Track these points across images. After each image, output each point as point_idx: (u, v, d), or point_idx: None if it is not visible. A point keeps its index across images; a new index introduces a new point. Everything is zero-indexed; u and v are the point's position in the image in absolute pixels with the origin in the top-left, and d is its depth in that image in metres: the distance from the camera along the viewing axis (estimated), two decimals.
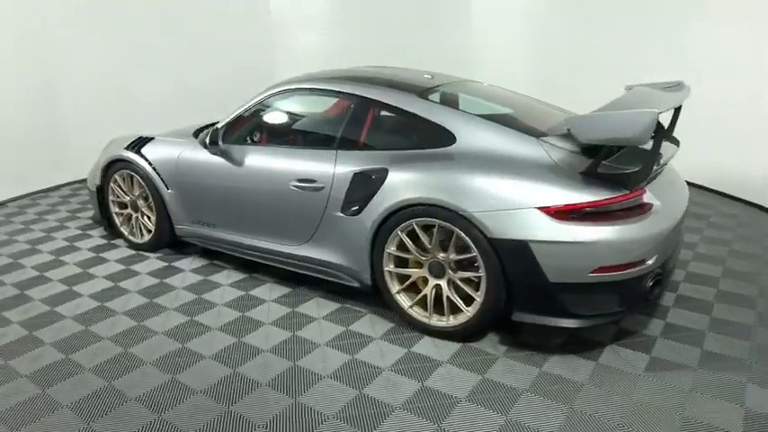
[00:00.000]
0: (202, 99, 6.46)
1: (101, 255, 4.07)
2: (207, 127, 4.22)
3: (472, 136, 2.83)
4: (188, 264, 3.87)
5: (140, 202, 4.02)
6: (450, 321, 2.78)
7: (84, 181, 5.06)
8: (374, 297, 3.12)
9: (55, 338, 2.93)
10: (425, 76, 3.53)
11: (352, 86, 3.23)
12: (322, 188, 3.07)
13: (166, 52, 6.66)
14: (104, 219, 4.28)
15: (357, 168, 2.96)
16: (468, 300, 2.73)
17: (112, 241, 4.32)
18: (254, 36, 7.39)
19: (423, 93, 3.12)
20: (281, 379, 2.54)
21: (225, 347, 2.82)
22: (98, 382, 2.54)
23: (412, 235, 2.80)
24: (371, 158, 2.96)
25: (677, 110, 2.89)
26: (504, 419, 2.24)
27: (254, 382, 2.53)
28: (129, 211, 4.12)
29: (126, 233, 4.17)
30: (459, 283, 2.72)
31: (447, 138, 2.87)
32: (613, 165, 2.54)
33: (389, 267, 2.91)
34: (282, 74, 7.32)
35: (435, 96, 3.15)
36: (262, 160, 3.36)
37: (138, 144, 3.92)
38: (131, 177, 3.97)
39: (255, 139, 3.60)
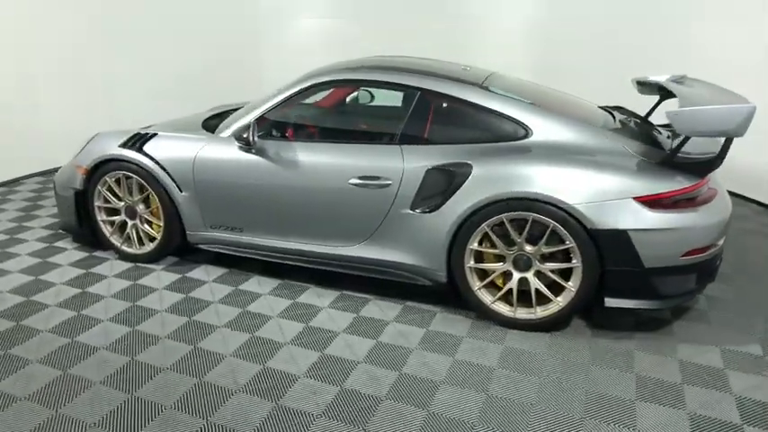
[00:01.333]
0: (185, 86, 6.37)
1: (91, 271, 3.51)
2: (216, 118, 3.84)
3: (547, 129, 2.86)
4: (204, 273, 3.48)
5: (140, 208, 3.52)
6: (538, 313, 2.81)
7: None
8: (444, 295, 3.06)
9: (103, 374, 2.49)
10: (463, 67, 3.48)
11: (414, 78, 3.09)
12: (388, 185, 2.92)
13: (145, 36, 6.30)
14: (83, 228, 3.69)
15: (431, 164, 2.86)
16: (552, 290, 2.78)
17: (94, 253, 3.75)
18: (240, 23, 7.05)
19: (483, 85, 3.08)
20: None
21: (313, 363, 2.59)
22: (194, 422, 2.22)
23: (496, 230, 2.78)
24: (446, 153, 2.87)
25: None
26: (425, 412, 2.26)
27: (371, 397, 2.37)
28: (122, 217, 3.59)
29: (118, 243, 3.63)
30: (550, 274, 2.76)
31: (522, 131, 2.87)
32: (686, 154, 2.73)
33: (470, 264, 2.86)
34: (268, 62, 7.06)
35: (495, 89, 3.11)
36: (312, 157, 3.10)
37: (137, 141, 3.42)
38: (127, 180, 3.46)
39: (296, 135, 3.31)
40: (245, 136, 3.10)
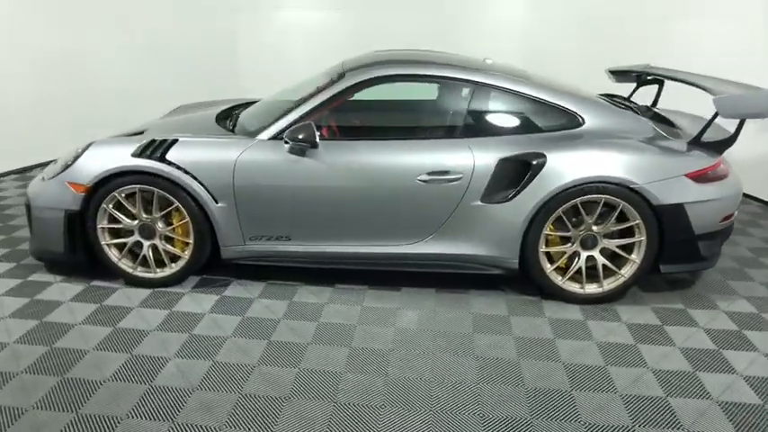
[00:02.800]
0: (148, 83, 6.15)
1: (105, 303, 2.99)
2: (230, 111, 3.48)
3: (598, 117, 3.09)
4: (243, 290, 3.17)
5: (159, 226, 3.08)
6: (605, 287, 3.06)
7: None
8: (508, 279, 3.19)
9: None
10: (487, 60, 3.59)
11: (469, 73, 3.11)
12: (459, 179, 2.94)
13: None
14: (76, 255, 3.12)
15: (502, 155, 2.93)
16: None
17: (92, 283, 3.20)
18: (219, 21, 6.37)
19: (526, 78, 3.22)
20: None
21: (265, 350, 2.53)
22: None
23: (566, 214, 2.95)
24: (514, 144, 2.96)
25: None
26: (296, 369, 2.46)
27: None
28: (135, 238, 3.10)
29: (129, 269, 3.14)
30: (617, 250, 3.01)
31: (576, 119, 3.08)
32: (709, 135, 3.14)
33: (542, 248, 3.01)
34: (243, 56, 6.45)
35: (535, 81, 3.26)
36: (374, 155, 2.98)
37: (157, 149, 2.97)
38: (141, 194, 3.00)
39: (348, 133, 3.13)
40: (300, 137, 2.88)
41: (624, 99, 3.86)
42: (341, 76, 3.13)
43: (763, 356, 2.63)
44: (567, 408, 2.27)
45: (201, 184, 2.96)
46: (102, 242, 3.09)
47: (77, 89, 5.93)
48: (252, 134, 3.10)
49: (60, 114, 5.79)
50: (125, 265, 3.15)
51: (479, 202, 2.97)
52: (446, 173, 2.94)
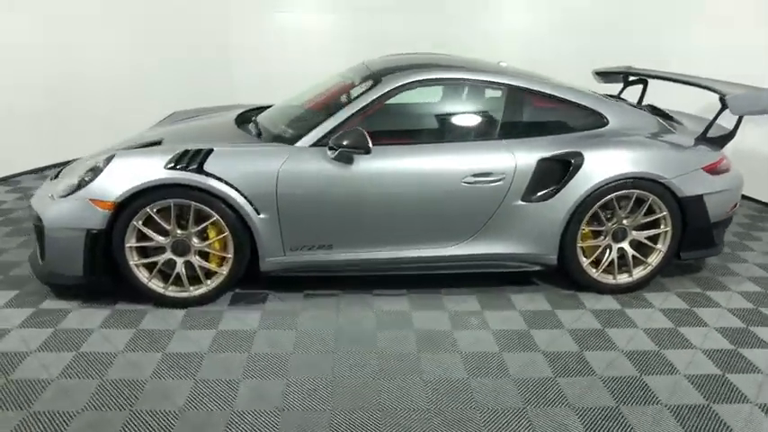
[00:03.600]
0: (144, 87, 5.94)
1: (142, 328, 2.77)
2: (244, 117, 3.39)
3: (619, 117, 3.27)
4: (283, 303, 3.06)
5: (194, 241, 2.90)
6: (634, 276, 3.24)
7: None
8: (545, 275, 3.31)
9: None
10: (502, 64, 3.68)
11: (503, 77, 3.19)
12: (501, 179, 3.00)
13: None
14: (96, 278, 2.87)
15: (541, 155, 3.03)
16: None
17: (116, 306, 2.96)
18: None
19: (549, 81, 3.35)
20: None
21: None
22: None
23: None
24: (551, 144, 3.07)
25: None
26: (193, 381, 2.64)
27: None
28: (166, 256, 2.90)
29: (160, 289, 2.93)
30: (645, 241, 3.20)
31: (601, 119, 3.24)
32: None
33: (580, 243, 3.14)
34: (238, 62, 6.29)
35: (557, 83, 3.39)
36: (418, 160, 2.97)
37: (193, 160, 2.79)
38: (176, 208, 2.81)
39: (387, 137, 3.08)
40: (350, 143, 2.81)
41: (623, 99, 4.10)
42: (377, 81, 3.10)
43: None
44: (644, 393, 2.39)
45: (243, 196, 2.83)
46: (131, 262, 2.87)
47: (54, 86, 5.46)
48: (288, 141, 3.00)
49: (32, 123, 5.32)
50: (155, 285, 2.94)
51: (520, 202, 3.05)
52: (489, 174, 3.00)
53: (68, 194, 2.84)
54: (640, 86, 4.17)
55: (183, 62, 6.05)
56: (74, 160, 3.51)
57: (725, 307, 3.16)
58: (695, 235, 3.25)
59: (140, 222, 2.81)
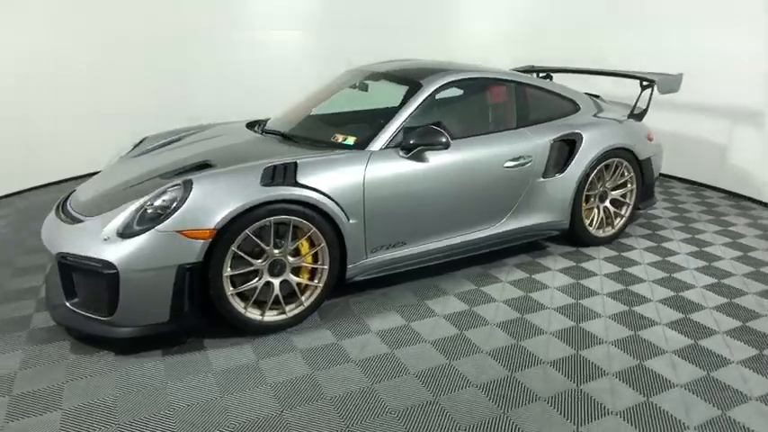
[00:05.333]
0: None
1: (225, 367, 2.56)
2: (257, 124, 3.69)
3: (585, 104, 4.05)
4: (380, 322, 3.07)
5: (289, 260, 2.77)
6: (616, 228, 4.04)
7: None
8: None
9: None
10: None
11: (507, 75, 3.74)
12: (530, 161, 3.51)
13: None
14: (189, 316, 2.58)
15: (552, 138, 3.61)
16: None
17: (206, 351, 2.66)
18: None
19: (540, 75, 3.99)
20: None
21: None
22: None
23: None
24: (556, 128, 3.68)
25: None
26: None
27: None
28: (265, 279, 2.71)
29: (258, 317, 2.73)
30: (621, 198, 4.02)
31: (575, 107, 3.97)
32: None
33: (584, 206, 3.82)
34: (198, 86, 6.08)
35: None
36: (467, 151, 3.29)
37: (286, 174, 2.69)
38: (270, 228, 2.68)
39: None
40: (430, 140, 3.01)
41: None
42: (416, 85, 3.33)
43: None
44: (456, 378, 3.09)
45: (337, 204, 2.82)
46: (228, 292, 2.63)
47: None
48: (353, 148, 3.06)
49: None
50: (252, 313, 2.73)
51: (542, 179, 3.60)
52: (521, 158, 3.48)
53: (140, 231, 2.48)
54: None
55: (138, 84, 5.71)
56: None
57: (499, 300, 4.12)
58: (646, 190, 4.19)
59: (235, 247, 2.61)
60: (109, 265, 2.44)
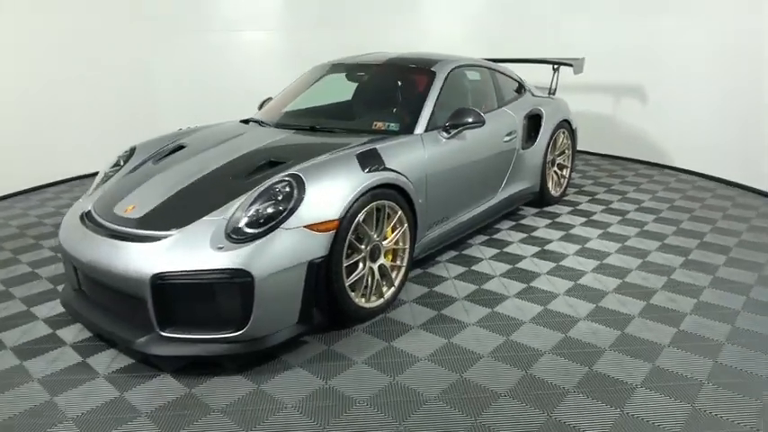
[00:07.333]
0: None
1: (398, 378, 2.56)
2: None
3: (528, 86, 4.72)
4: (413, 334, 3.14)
5: (383, 244, 2.82)
6: (563, 187, 4.80)
7: None
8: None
9: None
10: None
11: (491, 63, 4.23)
12: (515, 136, 4.04)
13: None
14: (310, 319, 2.50)
15: (523, 114, 4.19)
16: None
17: (333, 347, 2.59)
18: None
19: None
20: None
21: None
22: None
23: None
24: (522, 106, 4.27)
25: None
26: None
27: None
28: (367, 266, 2.72)
29: (365, 304, 2.73)
30: (563, 162, 4.78)
31: (522, 88, 4.60)
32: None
33: (548, 171, 4.48)
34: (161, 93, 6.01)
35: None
36: (489, 127, 3.58)
37: (373, 160, 2.76)
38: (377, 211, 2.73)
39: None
40: (471, 120, 3.26)
41: None
42: (432, 73, 3.58)
43: None
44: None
45: (414, 185, 2.95)
46: (346, 284, 2.59)
47: None
48: (399, 133, 3.21)
49: None
50: (360, 300, 2.72)
51: (522, 150, 4.16)
52: (511, 132, 3.98)
53: (262, 233, 2.32)
54: None
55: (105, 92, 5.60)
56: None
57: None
58: (574, 152, 5.07)
59: (351, 235, 2.59)
60: (240, 273, 2.24)
